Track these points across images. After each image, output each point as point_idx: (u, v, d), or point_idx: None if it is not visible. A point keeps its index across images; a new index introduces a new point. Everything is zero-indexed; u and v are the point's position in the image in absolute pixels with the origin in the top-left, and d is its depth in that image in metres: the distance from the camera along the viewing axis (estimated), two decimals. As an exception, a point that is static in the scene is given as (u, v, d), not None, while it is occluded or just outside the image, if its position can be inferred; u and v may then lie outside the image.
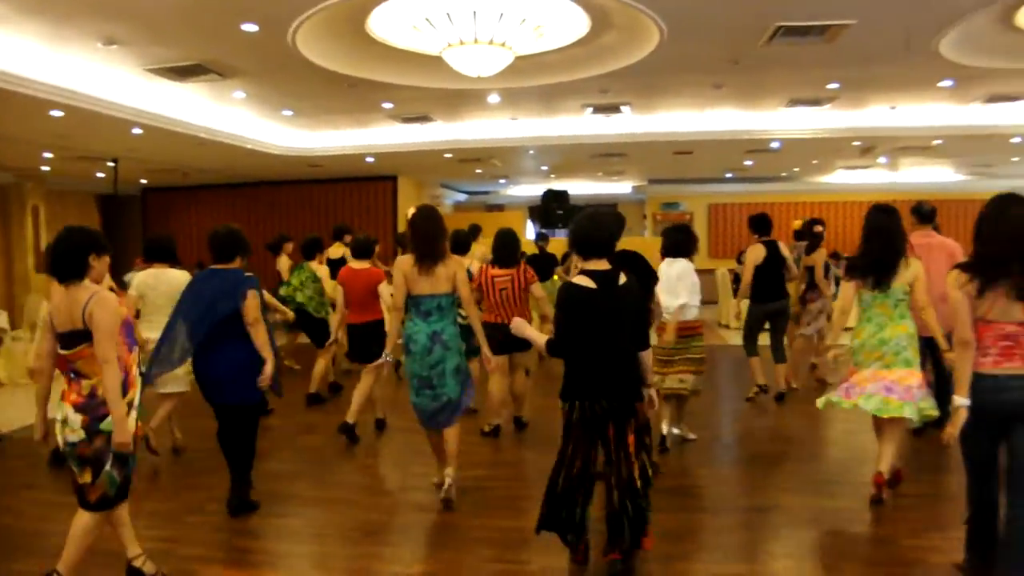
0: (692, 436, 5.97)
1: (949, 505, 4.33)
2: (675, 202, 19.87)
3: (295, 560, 4.00)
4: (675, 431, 5.87)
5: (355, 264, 6.48)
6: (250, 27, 6.57)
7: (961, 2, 6.20)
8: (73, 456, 3.37)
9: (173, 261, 5.81)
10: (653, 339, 4.32)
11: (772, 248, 7.13)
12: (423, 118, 11.15)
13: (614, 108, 10.58)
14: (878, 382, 4.45)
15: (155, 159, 12.60)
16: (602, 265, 3.58)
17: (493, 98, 9.79)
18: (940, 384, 5.34)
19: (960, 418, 3.19)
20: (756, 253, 7.13)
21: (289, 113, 10.69)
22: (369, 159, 13.82)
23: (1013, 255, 3.10)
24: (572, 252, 3.87)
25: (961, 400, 3.18)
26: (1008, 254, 3.11)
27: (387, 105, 10.18)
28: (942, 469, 5.19)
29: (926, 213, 5.89)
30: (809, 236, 7.96)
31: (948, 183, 18.26)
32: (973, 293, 3.15)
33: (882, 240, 4.50)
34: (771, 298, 7.18)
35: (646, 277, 4.18)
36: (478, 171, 16.31)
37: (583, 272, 3.57)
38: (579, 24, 7.09)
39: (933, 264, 5.03)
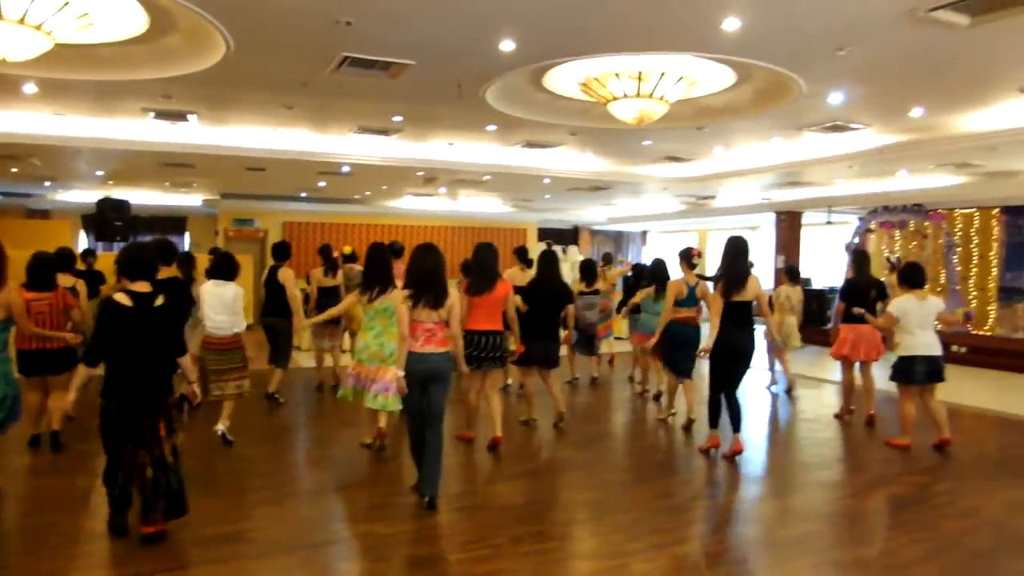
0: (230, 438, 6.49)
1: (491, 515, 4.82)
2: (249, 218, 19.37)
3: None
4: (221, 428, 6.50)
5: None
6: None
7: (500, 60, 7.09)
8: None
9: None
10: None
11: (271, 272, 8.31)
12: (-67, 101, 9.25)
13: (180, 116, 9.93)
14: (379, 382, 5.94)
15: None
16: (143, 287, 4.32)
17: (29, 87, 8.52)
18: None
19: (401, 383, 5.02)
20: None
21: None
22: None
23: (426, 281, 5.05)
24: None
25: (399, 372, 5.00)
26: (425, 281, 5.05)
27: None
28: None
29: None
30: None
31: (498, 213, 20.73)
32: (411, 305, 5.01)
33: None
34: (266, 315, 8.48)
35: (186, 301, 5.74)
36: (14, 170, 14.02)
37: (123, 291, 4.29)
38: (136, 20, 6.54)
39: None
